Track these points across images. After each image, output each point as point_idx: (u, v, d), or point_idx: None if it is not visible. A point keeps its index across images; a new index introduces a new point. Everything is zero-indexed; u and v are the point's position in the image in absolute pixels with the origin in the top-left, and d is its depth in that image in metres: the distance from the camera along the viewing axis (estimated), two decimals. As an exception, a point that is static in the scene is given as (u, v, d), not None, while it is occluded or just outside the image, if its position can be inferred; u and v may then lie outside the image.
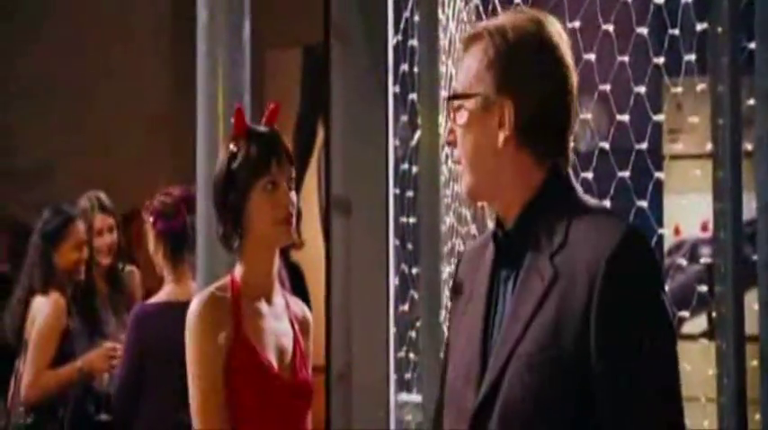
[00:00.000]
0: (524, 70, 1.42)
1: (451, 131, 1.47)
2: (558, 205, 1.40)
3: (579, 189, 1.44)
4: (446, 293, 2.99)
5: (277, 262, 1.97)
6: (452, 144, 1.47)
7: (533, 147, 1.42)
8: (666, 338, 1.33)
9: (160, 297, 2.99)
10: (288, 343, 1.97)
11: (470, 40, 1.47)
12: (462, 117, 1.45)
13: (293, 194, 1.93)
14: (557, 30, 1.45)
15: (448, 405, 1.45)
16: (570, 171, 1.44)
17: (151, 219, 2.97)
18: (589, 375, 1.31)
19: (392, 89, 3.34)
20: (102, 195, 3.56)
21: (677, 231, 4.10)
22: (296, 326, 2.00)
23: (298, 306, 2.05)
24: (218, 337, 1.89)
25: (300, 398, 1.96)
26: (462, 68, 1.47)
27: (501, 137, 1.42)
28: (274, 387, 1.92)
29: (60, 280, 3.32)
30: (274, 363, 1.93)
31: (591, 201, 1.43)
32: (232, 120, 2.00)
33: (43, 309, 3.27)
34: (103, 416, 3.30)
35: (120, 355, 3.22)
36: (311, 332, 2.06)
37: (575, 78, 1.44)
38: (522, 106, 1.41)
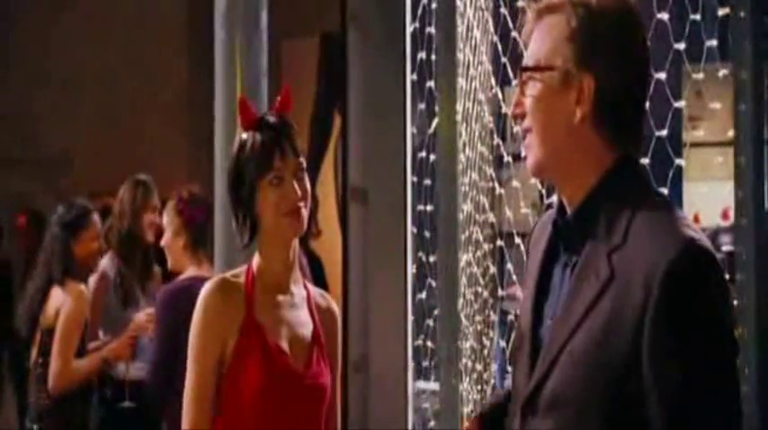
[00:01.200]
0: (609, 45, 1.35)
1: (519, 104, 1.40)
2: (624, 196, 1.34)
3: (650, 181, 1.40)
4: (463, 281, 2.98)
5: (294, 252, 1.96)
6: (520, 117, 1.40)
7: (607, 130, 1.35)
8: (723, 355, 1.29)
9: (184, 276, 3.01)
10: (305, 333, 1.96)
11: (546, 11, 1.39)
12: (535, 88, 1.38)
13: (304, 184, 1.91)
14: (638, 11, 1.38)
15: (513, 376, 1.45)
16: (640, 160, 1.39)
17: (179, 207, 3.00)
18: (639, 380, 1.29)
19: (410, 77, 3.33)
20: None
21: (696, 220, 4.08)
22: (317, 318, 1.98)
23: (322, 298, 2.03)
24: (222, 326, 1.89)
25: (312, 390, 1.93)
26: (537, 39, 1.39)
27: (578, 113, 1.35)
28: (284, 373, 1.90)
29: (78, 269, 3.36)
30: (287, 351, 1.92)
31: (660, 197, 1.38)
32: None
33: (67, 300, 3.29)
34: (127, 403, 3.34)
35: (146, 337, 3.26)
36: (338, 324, 2.04)
37: (651, 63, 1.39)
38: (603, 83, 1.34)
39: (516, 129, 1.57)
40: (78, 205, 3.45)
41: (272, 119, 1.95)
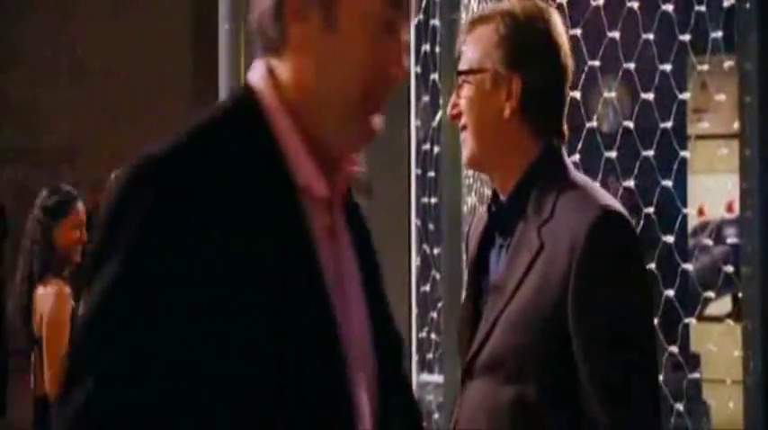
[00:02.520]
0: (533, 49, 1.56)
1: (455, 105, 1.59)
2: (550, 180, 1.54)
3: (570, 165, 1.57)
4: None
5: None
6: (456, 117, 1.60)
7: (534, 123, 1.56)
8: (638, 303, 1.49)
9: None
10: None
11: (478, 22, 1.61)
12: (469, 90, 1.58)
13: None
14: (558, 18, 1.60)
15: (459, 349, 1.66)
16: (563, 148, 1.58)
17: None
18: (567, 333, 1.47)
19: (414, 69, 3.32)
20: None
21: (701, 212, 4.07)
22: None
23: None
24: None
25: None
26: (470, 47, 1.60)
27: (508, 109, 1.55)
28: None
29: (59, 262, 3.29)
30: None
31: (580, 177, 1.58)
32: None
33: (48, 302, 3.24)
34: None
35: None
36: None
37: (571, 65, 1.60)
38: (529, 82, 1.55)
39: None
40: (63, 191, 3.36)
41: None
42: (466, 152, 1.59)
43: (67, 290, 3.28)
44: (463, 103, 1.58)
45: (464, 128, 1.59)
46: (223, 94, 2.48)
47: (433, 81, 3.20)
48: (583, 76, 2.54)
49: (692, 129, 3.52)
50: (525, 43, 1.56)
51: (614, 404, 1.44)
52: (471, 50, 1.59)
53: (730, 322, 2.84)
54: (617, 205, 1.52)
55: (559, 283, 1.47)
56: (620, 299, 1.46)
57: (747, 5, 2.02)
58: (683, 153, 2.46)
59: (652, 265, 2.51)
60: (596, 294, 1.45)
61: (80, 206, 3.36)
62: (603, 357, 1.46)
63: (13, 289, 3.35)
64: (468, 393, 1.56)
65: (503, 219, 1.57)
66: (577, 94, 2.58)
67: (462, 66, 1.60)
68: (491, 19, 1.59)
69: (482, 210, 1.70)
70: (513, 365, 1.50)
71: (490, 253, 1.59)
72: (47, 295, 3.24)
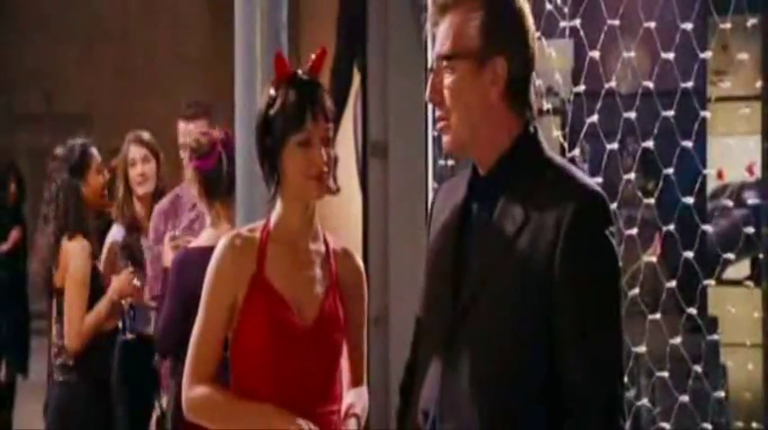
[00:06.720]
0: (513, 29, 1.57)
1: (437, 90, 1.59)
2: (530, 156, 1.59)
3: (544, 142, 1.62)
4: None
5: (313, 209, 1.94)
6: (437, 103, 1.60)
7: (515, 103, 1.58)
8: (613, 270, 1.58)
9: (200, 241, 3.00)
10: (317, 289, 1.94)
11: (451, 5, 1.58)
12: (453, 75, 1.57)
13: (330, 150, 1.90)
14: None
15: (426, 316, 1.69)
16: (537, 125, 1.62)
17: (189, 157, 2.98)
18: (551, 301, 1.54)
19: (430, 30, 3.29)
20: (143, 133, 3.66)
21: (720, 175, 4.04)
22: (336, 275, 1.96)
23: (345, 254, 2.00)
24: (232, 281, 1.90)
25: (321, 345, 1.93)
26: (446, 31, 1.58)
27: (494, 93, 1.57)
28: (287, 327, 1.90)
29: (90, 219, 3.37)
30: (292, 306, 1.92)
31: (554, 155, 1.63)
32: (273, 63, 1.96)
33: (73, 257, 3.28)
34: (129, 336, 3.41)
35: (137, 278, 3.31)
36: (362, 279, 2.01)
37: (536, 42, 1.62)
38: (513, 63, 1.56)
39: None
40: (76, 146, 3.39)
41: (305, 77, 1.93)
42: (449, 137, 1.60)
43: (89, 246, 3.33)
44: (448, 89, 1.58)
45: (444, 117, 1.59)
46: (238, 59, 2.46)
47: (450, 42, 3.16)
48: (602, 35, 2.51)
49: (712, 91, 3.48)
50: (505, 24, 1.56)
51: (586, 361, 1.51)
52: (450, 35, 1.58)
53: (749, 284, 2.82)
54: (595, 186, 1.60)
55: (546, 255, 1.54)
56: (601, 264, 1.55)
57: (772, -38, 1.98)
58: (703, 113, 2.43)
59: (671, 227, 2.50)
60: (582, 266, 1.53)
61: (94, 150, 3.42)
62: (585, 311, 1.53)
63: (40, 247, 3.39)
64: (453, 368, 1.58)
65: (485, 191, 1.61)
66: (596, 54, 2.55)
67: (441, 50, 1.59)
68: (464, 2, 1.58)
69: (450, 183, 1.73)
70: (500, 328, 1.54)
71: (470, 223, 1.62)
72: (73, 250, 3.29)
